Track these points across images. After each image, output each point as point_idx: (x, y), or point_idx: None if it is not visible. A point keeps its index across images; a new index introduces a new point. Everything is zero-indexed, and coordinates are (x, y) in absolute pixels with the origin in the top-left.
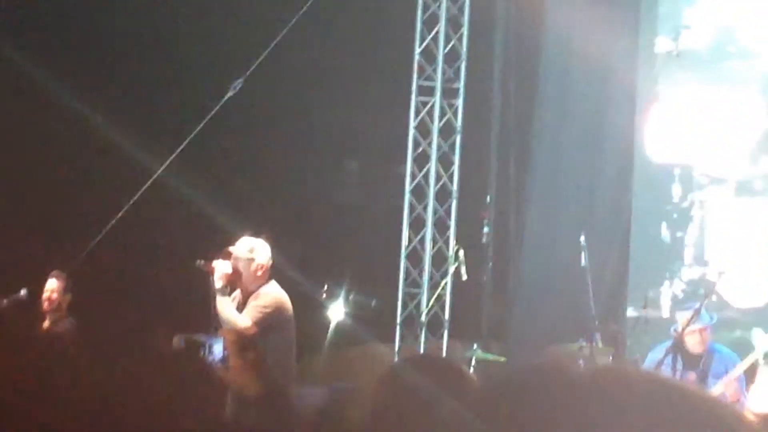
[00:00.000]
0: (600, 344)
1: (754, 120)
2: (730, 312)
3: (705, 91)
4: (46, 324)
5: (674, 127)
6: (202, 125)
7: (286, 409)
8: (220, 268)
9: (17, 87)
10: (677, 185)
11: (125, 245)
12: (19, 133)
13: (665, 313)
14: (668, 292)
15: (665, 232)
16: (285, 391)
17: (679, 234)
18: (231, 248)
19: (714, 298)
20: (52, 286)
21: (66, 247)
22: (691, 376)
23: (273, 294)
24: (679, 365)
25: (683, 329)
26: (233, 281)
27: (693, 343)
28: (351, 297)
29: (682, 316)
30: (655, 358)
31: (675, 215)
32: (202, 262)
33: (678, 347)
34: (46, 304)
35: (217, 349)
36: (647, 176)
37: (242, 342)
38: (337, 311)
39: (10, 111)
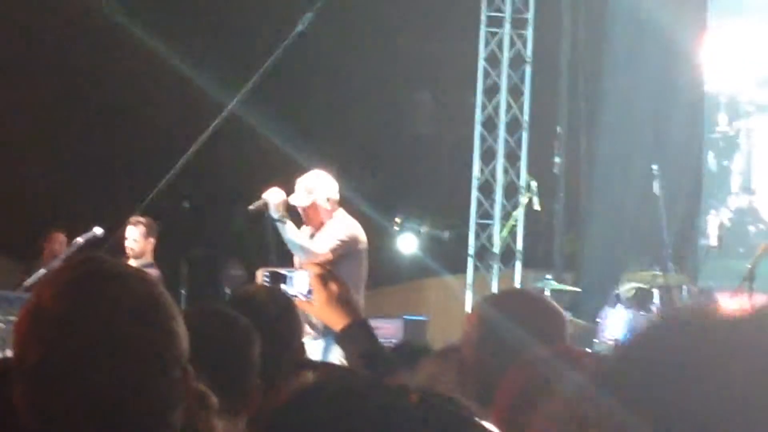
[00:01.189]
0: (674, 272)
1: None
2: None
3: (752, 20)
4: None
5: (721, 55)
6: (272, 59)
7: (371, 341)
8: (271, 197)
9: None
10: (723, 114)
11: (197, 182)
12: (88, 74)
13: (713, 241)
14: (715, 220)
15: (711, 161)
16: (368, 323)
17: (725, 162)
18: (291, 198)
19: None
20: (133, 233)
21: (137, 186)
22: None
23: (346, 224)
24: None
25: None
26: (307, 216)
27: None
28: (423, 228)
29: None
30: None
31: (721, 144)
32: (252, 205)
33: None
34: (129, 252)
35: (299, 282)
36: None
37: (325, 274)
38: (409, 243)
39: (81, 50)
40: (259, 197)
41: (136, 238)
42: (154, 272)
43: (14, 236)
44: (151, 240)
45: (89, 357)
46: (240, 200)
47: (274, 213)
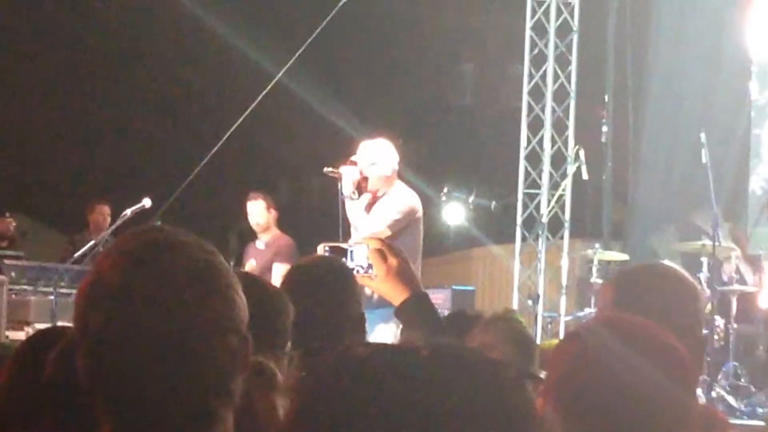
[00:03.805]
0: (722, 242)
1: None
2: None
3: None
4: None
5: (753, 23)
6: (318, 30)
7: (431, 313)
8: (347, 173)
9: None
10: (754, 82)
11: (244, 154)
12: (133, 47)
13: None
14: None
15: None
16: (427, 296)
17: (756, 131)
18: (354, 158)
19: None
20: (255, 208)
21: (181, 159)
22: None
23: (404, 195)
24: None
25: None
26: (361, 186)
27: None
28: (471, 199)
29: None
30: None
31: (752, 112)
32: (330, 168)
33: None
34: (256, 227)
35: (358, 256)
36: None
37: (385, 248)
38: (456, 213)
39: (126, 22)
40: (334, 167)
41: (259, 212)
42: (287, 241)
43: (59, 209)
44: (273, 211)
45: (148, 325)
46: (286, 172)
47: (346, 188)
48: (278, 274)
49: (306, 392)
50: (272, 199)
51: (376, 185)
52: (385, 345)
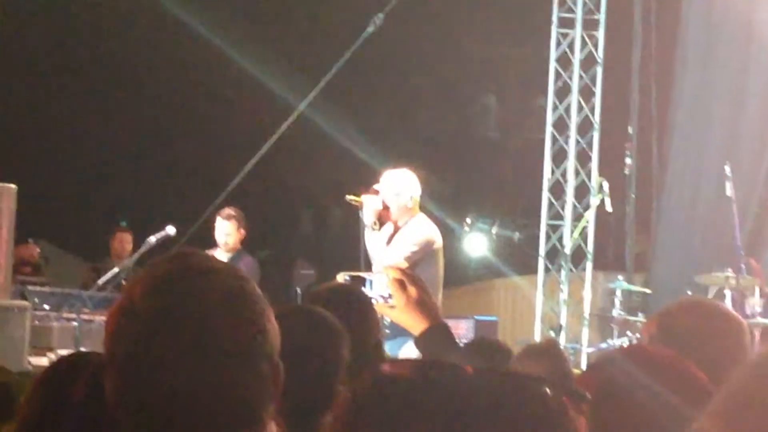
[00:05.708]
0: (746, 274)
1: None
2: None
3: None
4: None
5: None
6: (343, 61)
7: (451, 344)
8: (369, 202)
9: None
10: None
11: (267, 184)
12: (157, 75)
13: None
14: None
15: None
16: (447, 326)
17: None
18: (377, 186)
19: None
20: (227, 227)
21: (206, 188)
22: None
23: (422, 227)
24: None
25: None
26: (382, 215)
27: None
28: (494, 230)
29: None
30: None
31: None
32: (352, 197)
33: None
34: (223, 246)
35: (378, 285)
36: None
37: (405, 278)
38: (478, 244)
39: (151, 54)
40: (355, 195)
41: (229, 231)
42: (250, 260)
43: (81, 236)
44: (243, 231)
45: (179, 352)
46: (309, 202)
47: (367, 218)
48: None
49: (348, 414)
50: (244, 218)
51: (397, 215)
52: (427, 362)
